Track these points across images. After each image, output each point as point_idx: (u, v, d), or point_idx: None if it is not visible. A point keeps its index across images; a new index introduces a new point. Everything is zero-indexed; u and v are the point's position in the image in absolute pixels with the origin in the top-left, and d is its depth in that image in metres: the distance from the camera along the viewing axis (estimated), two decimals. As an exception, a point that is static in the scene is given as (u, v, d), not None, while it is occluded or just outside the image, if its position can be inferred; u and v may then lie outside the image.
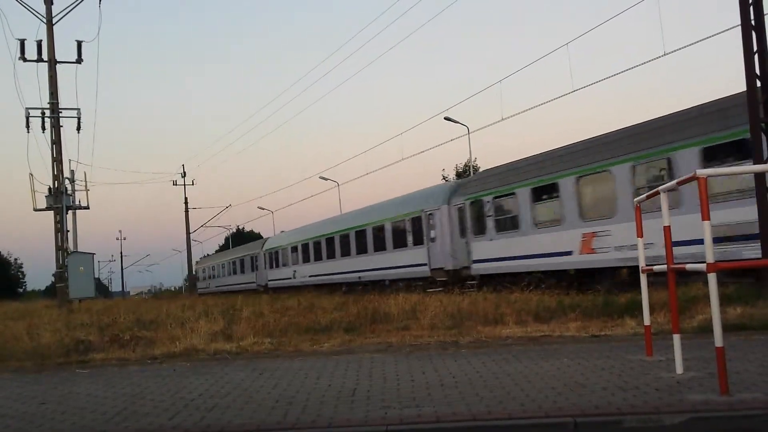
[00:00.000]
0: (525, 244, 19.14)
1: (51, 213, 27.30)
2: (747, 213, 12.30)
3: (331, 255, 32.80)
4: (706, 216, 5.03)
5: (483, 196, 21.07)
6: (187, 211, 56.21)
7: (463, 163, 52.29)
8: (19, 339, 11.80)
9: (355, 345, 9.71)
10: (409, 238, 25.38)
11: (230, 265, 52.61)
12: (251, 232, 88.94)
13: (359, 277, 29.52)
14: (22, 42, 26.58)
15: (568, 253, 17.47)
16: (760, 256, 11.66)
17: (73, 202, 33.00)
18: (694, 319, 9.47)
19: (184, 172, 55.94)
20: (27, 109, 27.85)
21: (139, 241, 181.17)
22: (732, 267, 5.74)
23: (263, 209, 61.39)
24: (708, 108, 14.04)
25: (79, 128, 28.90)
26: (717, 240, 12.11)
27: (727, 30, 13.59)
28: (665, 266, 6.14)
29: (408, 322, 11.92)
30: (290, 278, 38.56)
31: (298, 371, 7.48)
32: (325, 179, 45.31)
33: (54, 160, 26.76)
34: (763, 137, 11.86)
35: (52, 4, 26.64)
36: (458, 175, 52.28)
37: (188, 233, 56.59)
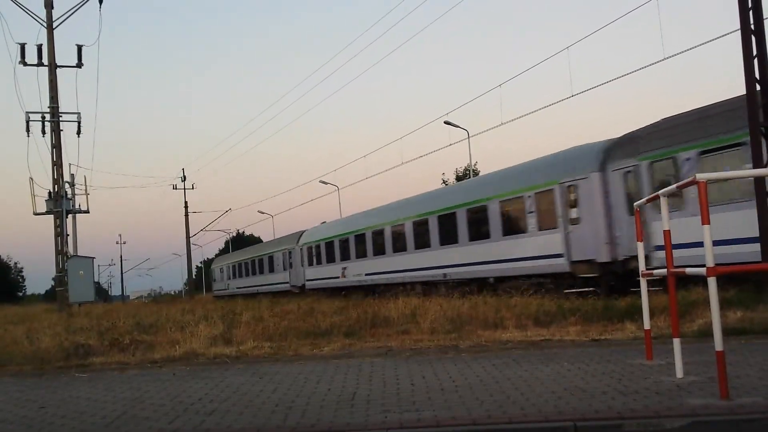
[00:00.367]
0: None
1: (51, 217, 27.28)
2: None
3: (400, 247, 26.59)
4: (706, 220, 5.04)
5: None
6: (187, 215, 56.16)
7: (463, 167, 51.98)
8: (19, 343, 11.82)
9: (355, 349, 9.71)
10: (531, 221, 19.36)
11: (256, 263, 45.15)
12: (251, 236, 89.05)
13: (444, 275, 23.57)
14: (23, 46, 26.61)
15: None
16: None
17: (73, 206, 32.92)
18: (695, 323, 9.47)
19: (184, 176, 55.90)
20: (27, 113, 27.91)
21: (138, 245, 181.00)
22: (731, 271, 5.75)
23: (263, 213, 61.22)
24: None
25: (79, 132, 28.96)
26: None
27: (726, 34, 13.60)
28: (665, 270, 6.14)
29: (408, 326, 11.94)
30: (337, 277, 32.36)
31: (297, 375, 7.48)
32: (325, 183, 45.30)
33: (54, 164, 26.75)
34: (763, 141, 11.85)
35: (52, 8, 26.68)
36: (458, 178, 50.98)
37: (188, 237, 56.53)
